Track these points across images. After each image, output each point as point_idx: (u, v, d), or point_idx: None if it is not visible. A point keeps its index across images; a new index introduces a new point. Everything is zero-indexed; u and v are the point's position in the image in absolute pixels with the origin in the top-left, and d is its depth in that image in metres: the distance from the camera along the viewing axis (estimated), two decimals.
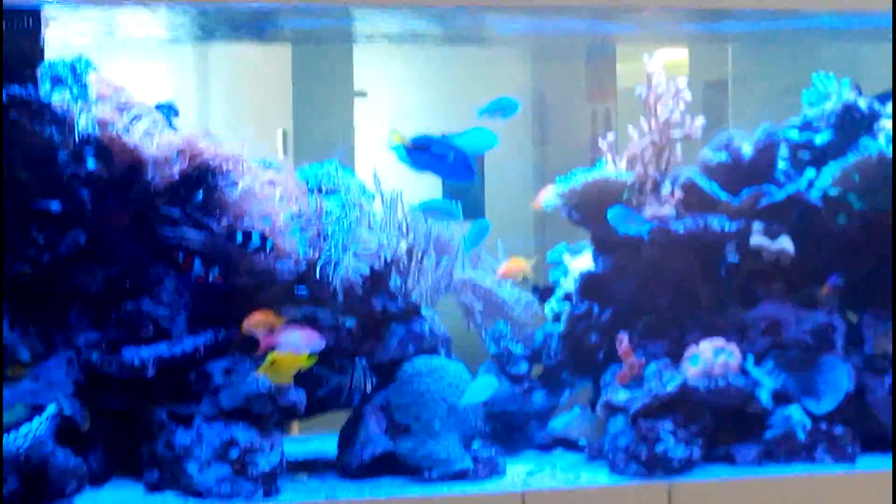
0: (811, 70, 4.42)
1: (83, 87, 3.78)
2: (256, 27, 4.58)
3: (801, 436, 3.99)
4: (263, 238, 3.67)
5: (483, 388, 3.84)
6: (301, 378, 3.73)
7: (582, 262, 4.36)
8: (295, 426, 4.83)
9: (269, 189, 3.80)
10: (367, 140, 6.96)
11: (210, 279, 3.65)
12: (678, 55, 8.00)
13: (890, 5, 3.88)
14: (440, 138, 3.74)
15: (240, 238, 3.64)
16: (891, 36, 4.08)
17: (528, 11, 4.11)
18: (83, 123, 3.65)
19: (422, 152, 3.71)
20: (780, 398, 4.05)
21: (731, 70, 7.25)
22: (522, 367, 4.27)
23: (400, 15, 4.12)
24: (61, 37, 4.18)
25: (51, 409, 3.44)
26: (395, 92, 7.95)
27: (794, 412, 4.02)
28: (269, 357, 3.55)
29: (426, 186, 4.52)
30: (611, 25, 4.78)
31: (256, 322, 3.63)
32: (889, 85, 4.24)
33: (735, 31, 5.17)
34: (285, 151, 7.40)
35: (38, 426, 3.38)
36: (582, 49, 6.63)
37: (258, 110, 8.03)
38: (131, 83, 3.94)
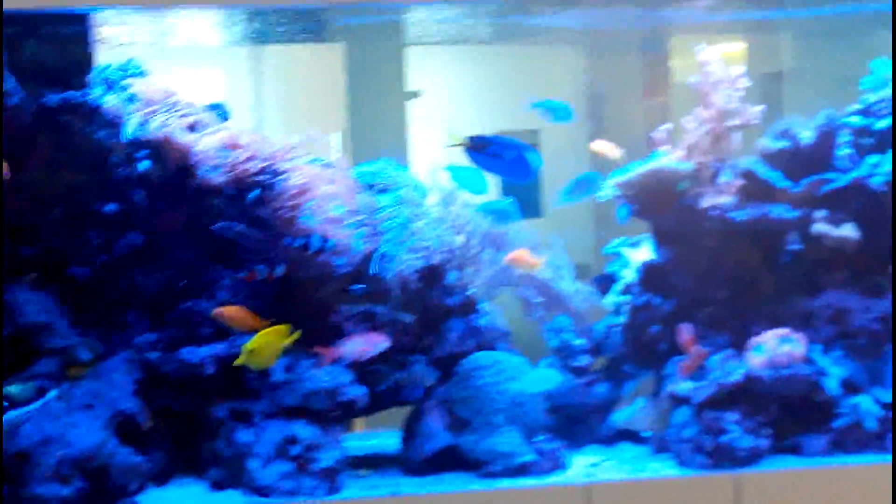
0: (867, 60, 4.35)
1: (134, 89, 3.78)
2: (310, 27, 4.59)
3: (871, 425, 3.91)
4: (324, 240, 3.65)
5: (543, 379, 3.82)
6: (362, 374, 3.71)
7: (642, 254, 4.31)
8: (359, 422, 4.82)
9: (323, 186, 3.78)
10: (423, 140, 6.94)
11: (266, 277, 3.64)
12: (734, 48, 7.94)
13: None
14: (499, 138, 3.71)
15: (299, 242, 3.63)
16: None
17: (580, 3, 4.09)
18: (135, 125, 3.65)
19: (480, 152, 3.68)
20: (849, 387, 3.97)
21: (787, 61, 7.18)
22: (583, 360, 4.22)
23: (452, 13, 4.11)
24: (116, 41, 4.20)
25: (52, 393, 3.44)
26: (450, 92, 7.93)
27: (863, 401, 3.95)
28: (246, 347, 3.51)
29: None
30: (664, 15, 4.74)
31: (232, 320, 3.60)
32: None
33: (788, 19, 5.11)
34: (342, 152, 7.38)
35: (34, 406, 3.38)
36: (636, 44, 6.58)
37: (313, 112, 8.04)
38: (185, 87, 3.95)
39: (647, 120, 7.07)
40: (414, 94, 7.53)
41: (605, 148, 4.20)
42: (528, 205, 7.82)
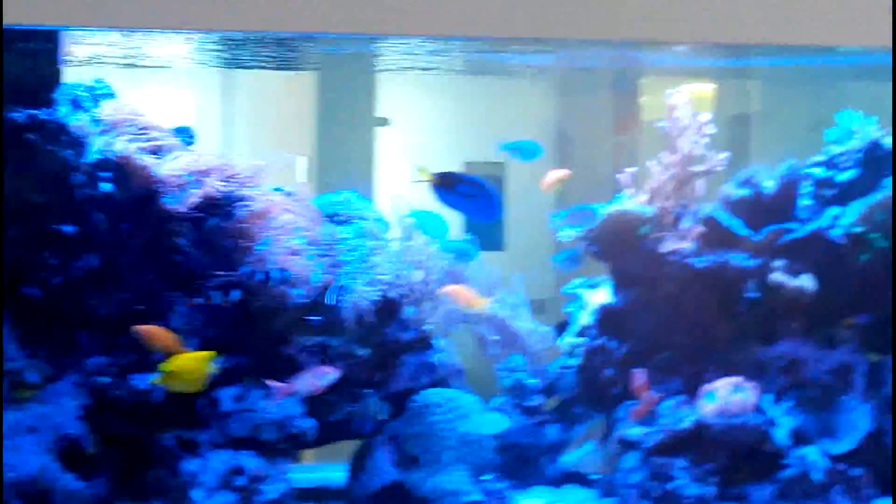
0: (836, 108, 4.37)
1: (100, 109, 3.76)
2: (282, 55, 4.58)
3: (818, 476, 3.91)
4: (282, 272, 3.63)
5: (490, 423, 3.80)
6: (313, 406, 3.69)
7: (600, 296, 4.31)
8: (308, 454, 4.79)
9: (284, 214, 3.76)
10: (390, 168, 6.94)
11: (223, 304, 3.62)
12: (703, 89, 7.97)
13: None
14: (466, 177, 3.68)
15: (259, 275, 3.61)
16: None
17: (552, 44, 4.09)
18: (99, 146, 3.63)
19: (448, 190, 3.66)
20: (798, 438, 3.97)
21: (755, 105, 7.21)
22: (535, 400, 4.21)
23: (424, 45, 4.11)
24: (87, 60, 4.18)
25: None
26: (419, 121, 7.93)
27: (811, 452, 3.95)
28: (165, 367, 3.48)
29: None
30: (635, 58, 4.75)
31: (152, 338, 3.57)
32: None
33: (759, 67, 5.14)
34: (308, 178, 7.38)
35: None
36: (606, 82, 6.60)
37: (281, 137, 8.02)
38: (153, 107, 3.93)
39: (616, 158, 7.10)
40: (383, 121, 7.53)
41: (554, 176, 4.18)
42: (490, 238, 7.84)
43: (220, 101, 8.22)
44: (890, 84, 5.80)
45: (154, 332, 3.54)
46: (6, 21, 2.95)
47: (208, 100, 8.16)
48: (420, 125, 7.83)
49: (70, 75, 3.87)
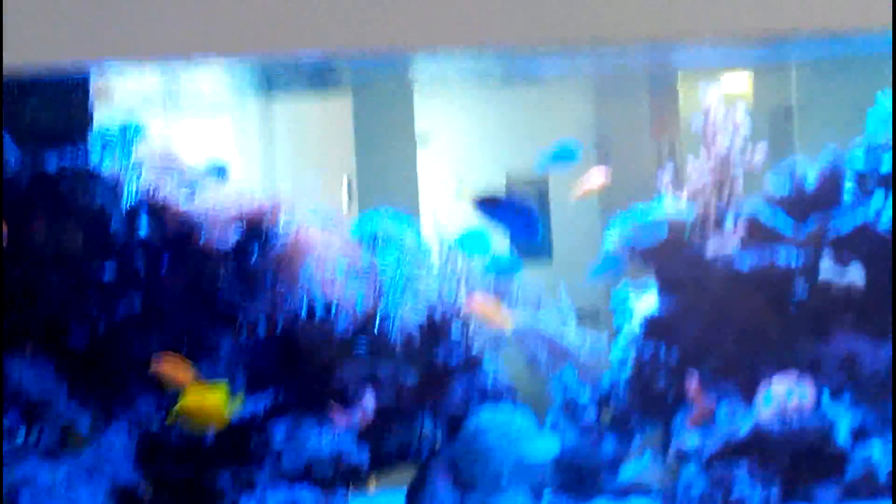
0: (875, 92, 4.31)
1: (133, 152, 3.77)
2: (318, 77, 4.58)
3: (884, 472, 3.85)
4: (327, 305, 3.63)
5: (543, 449, 3.77)
6: (366, 435, 3.68)
7: (647, 303, 4.26)
8: (372, 481, 4.77)
9: (323, 244, 3.75)
10: (431, 185, 6.94)
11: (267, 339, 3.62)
12: (743, 83, 7.91)
13: None
14: (509, 200, 3.66)
15: (305, 311, 3.61)
16: None
17: (585, 49, 4.04)
18: (133, 189, 3.64)
19: (490, 207, 3.65)
20: (860, 435, 3.90)
21: (797, 96, 7.14)
22: (591, 414, 4.17)
23: (457, 58, 4.08)
24: (122, 96, 4.19)
25: None
26: (459, 136, 7.91)
27: (875, 449, 3.88)
28: (176, 409, 3.43)
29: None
30: (670, 56, 4.70)
31: (167, 372, 3.52)
32: None
33: (797, 57, 5.08)
34: (350, 198, 7.38)
35: None
36: (643, 83, 6.56)
37: (322, 159, 8.04)
38: (190, 142, 3.93)
39: (658, 159, 7.05)
40: (424, 138, 7.52)
41: (588, 185, 4.13)
42: (538, 247, 7.81)
43: (258, 129, 8.27)
44: None
45: (165, 365, 3.48)
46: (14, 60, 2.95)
47: (246, 128, 8.20)
48: (460, 140, 7.83)
49: (102, 118, 3.88)
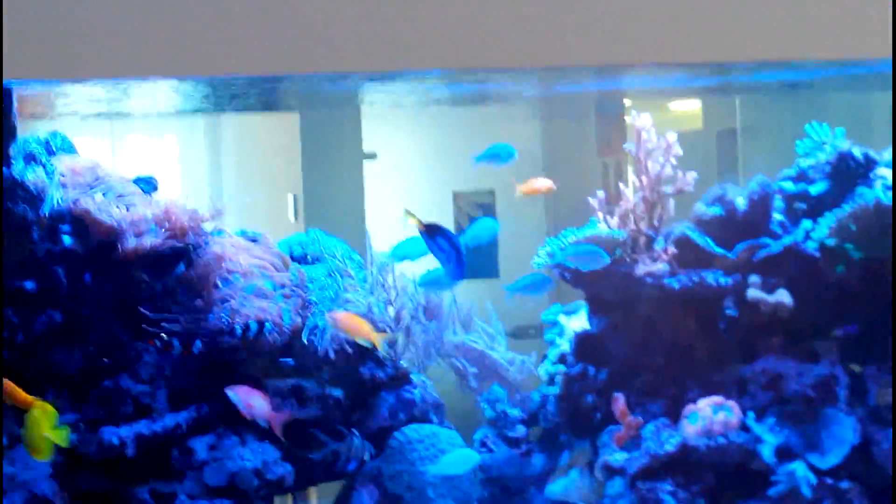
0: (819, 119, 4.36)
1: (57, 163, 3.75)
2: (265, 95, 4.57)
3: (807, 492, 3.87)
4: (261, 323, 3.62)
5: (460, 461, 3.77)
6: (291, 451, 3.67)
7: (577, 322, 4.28)
8: (313, 494, 4.76)
9: (249, 259, 3.75)
10: (378, 201, 6.95)
11: (192, 352, 3.60)
12: (691, 105, 7.99)
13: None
14: (450, 233, 3.67)
15: (239, 330, 3.60)
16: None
17: (534, 72, 4.07)
18: (57, 199, 3.62)
19: (430, 238, 3.66)
20: (784, 454, 3.94)
21: (740, 120, 7.22)
22: (519, 430, 4.19)
23: (406, 78, 4.10)
24: (71, 111, 4.18)
25: None
26: (405, 153, 7.94)
27: (799, 468, 3.91)
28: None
29: None
30: (618, 81, 4.74)
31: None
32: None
33: (741, 83, 5.13)
34: (296, 215, 7.40)
35: None
36: (591, 104, 6.60)
37: (269, 175, 8.04)
38: (136, 157, 3.91)
39: (602, 181, 7.10)
40: (371, 156, 7.54)
41: (536, 184, 4.14)
42: (485, 265, 7.83)
43: (204, 145, 8.25)
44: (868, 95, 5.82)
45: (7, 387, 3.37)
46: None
47: (193, 144, 8.19)
48: (407, 157, 7.85)
49: (27, 130, 3.86)
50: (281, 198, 7.58)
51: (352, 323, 3.64)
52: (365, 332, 3.59)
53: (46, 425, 3.25)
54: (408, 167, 7.90)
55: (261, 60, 3.16)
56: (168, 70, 3.11)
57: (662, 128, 4.30)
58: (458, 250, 3.54)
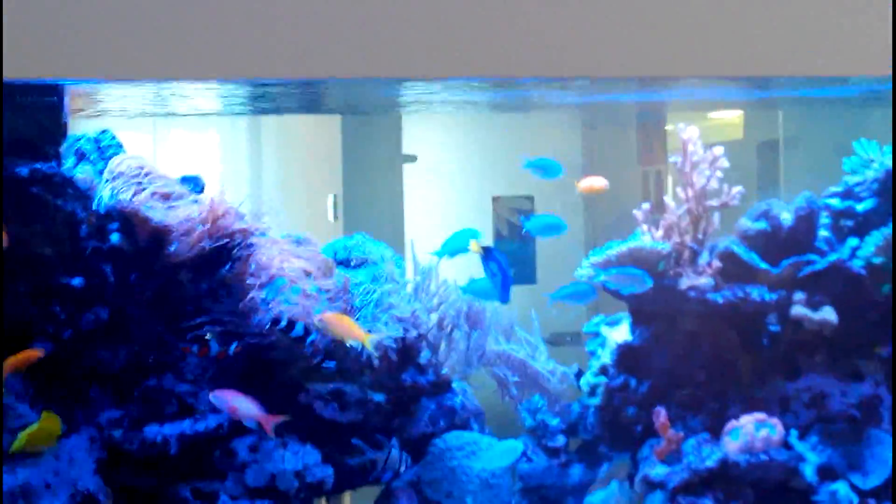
0: (860, 134, 4.34)
1: (107, 161, 3.77)
2: (307, 98, 4.58)
3: None
4: (307, 329, 3.63)
5: (506, 452, 3.77)
6: (330, 454, 3.68)
7: (619, 333, 4.27)
8: (346, 497, 4.77)
9: (295, 262, 3.75)
10: (417, 204, 6.97)
11: (218, 354, 3.61)
12: (732, 116, 7.96)
13: None
14: (501, 259, 3.71)
15: (283, 324, 3.61)
16: None
17: (575, 82, 4.06)
18: (105, 198, 3.64)
19: (485, 259, 3.70)
20: (826, 473, 3.91)
21: (782, 133, 7.18)
22: (559, 441, 4.18)
23: (449, 85, 4.10)
24: (117, 107, 4.20)
25: None
26: (445, 157, 7.95)
27: (841, 488, 3.89)
28: (23, 435, 3.43)
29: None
30: (660, 90, 4.73)
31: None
32: None
33: (783, 96, 5.11)
34: (336, 216, 7.41)
35: None
36: (632, 113, 6.59)
37: (310, 177, 8.07)
38: (180, 156, 3.93)
39: (644, 191, 7.08)
40: (412, 158, 7.55)
41: (594, 183, 4.15)
42: (523, 271, 7.84)
43: (247, 146, 8.29)
44: None
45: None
46: (11, 75, 2.95)
47: (236, 145, 8.23)
48: (447, 161, 7.86)
49: (79, 128, 3.88)
50: (321, 199, 7.61)
51: (341, 323, 3.60)
52: (355, 333, 3.57)
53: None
54: (447, 171, 7.91)
55: (301, 64, 3.17)
56: (209, 73, 3.13)
57: (705, 136, 4.28)
58: (506, 275, 3.59)
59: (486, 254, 3.69)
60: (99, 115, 4.31)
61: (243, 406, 3.47)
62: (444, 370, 3.94)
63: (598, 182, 4.16)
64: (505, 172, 7.10)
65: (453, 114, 5.48)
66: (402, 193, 7.29)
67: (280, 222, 3.91)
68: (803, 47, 3.42)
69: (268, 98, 4.39)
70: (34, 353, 3.41)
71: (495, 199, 7.90)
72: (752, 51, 3.41)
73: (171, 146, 7.92)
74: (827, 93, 4.54)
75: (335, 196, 7.45)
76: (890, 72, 3.48)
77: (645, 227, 4.14)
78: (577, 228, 7.05)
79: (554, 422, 4.18)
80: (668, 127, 7.03)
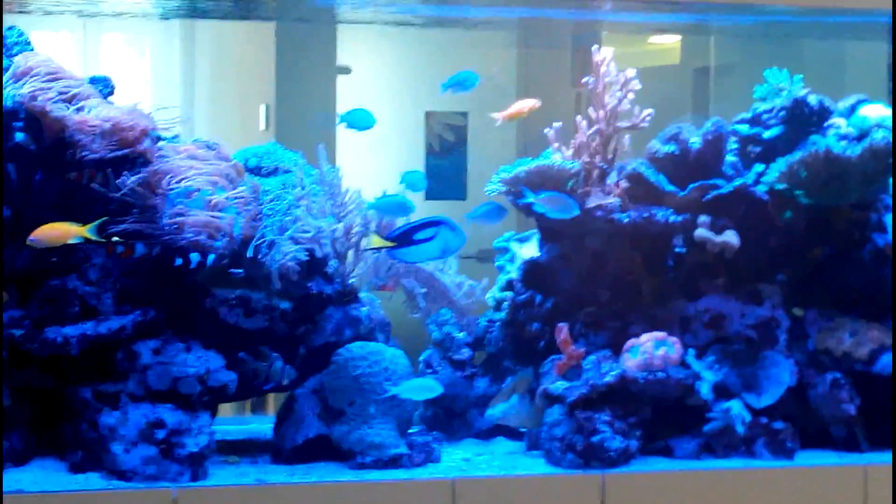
0: (794, 66, 4.39)
1: (12, 58, 3.73)
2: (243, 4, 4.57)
3: (741, 429, 3.96)
4: (204, 256, 3.64)
5: (422, 388, 3.82)
6: (233, 360, 3.73)
7: (528, 250, 4.33)
8: (271, 404, 4.84)
9: (204, 166, 3.76)
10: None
11: (137, 256, 3.62)
12: (669, 41, 8.00)
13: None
14: (409, 225, 3.79)
15: (178, 261, 3.62)
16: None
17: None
18: (10, 95, 3.61)
19: (403, 241, 3.71)
20: (721, 392, 4.02)
21: (714, 60, 7.23)
22: (464, 353, 4.25)
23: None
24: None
25: None
26: (379, 70, 7.94)
27: (734, 406, 3.99)
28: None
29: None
30: (596, 12, 4.76)
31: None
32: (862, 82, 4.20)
33: (718, 24, 5.15)
34: (267, 126, 7.41)
35: None
36: (567, 34, 6.60)
37: (243, 86, 8.04)
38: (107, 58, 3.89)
39: (575, 111, 7.10)
40: (346, 70, 7.54)
41: (522, 106, 4.17)
42: (452, 187, 7.87)
43: (181, 54, 8.22)
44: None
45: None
46: None
47: (170, 53, 8.16)
48: (381, 75, 7.84)
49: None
50: (254, 108, 7.59)
51: (52, 230, 3.57)
52: (71, 232, 3.55)
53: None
54: (381, 85, 7.90)
55: None
56: None
57: (642, 60, 4.31)
58: (434, 225, 3.61)
59: (399, 238, 3.73)
60: (23, 12, 4.27)
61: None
62: (352, 280, 3.97)
63: (526, 104, 4.17)
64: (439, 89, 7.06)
65: (390, 27, 5.47)
66: (334, 105, 7.28)
67: (205, 129, 3.91)
68: None
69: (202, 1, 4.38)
70: None
71: (428, 115, 7.91)
72: None
73: (102, 50, 7.87)
74: (759, 19, 4.58)
75: (267, 106, 7.44)
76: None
77: (556, 145, 4.18)
78: (510, 144, 7.08)
79: (460, 335, 4.23)
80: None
